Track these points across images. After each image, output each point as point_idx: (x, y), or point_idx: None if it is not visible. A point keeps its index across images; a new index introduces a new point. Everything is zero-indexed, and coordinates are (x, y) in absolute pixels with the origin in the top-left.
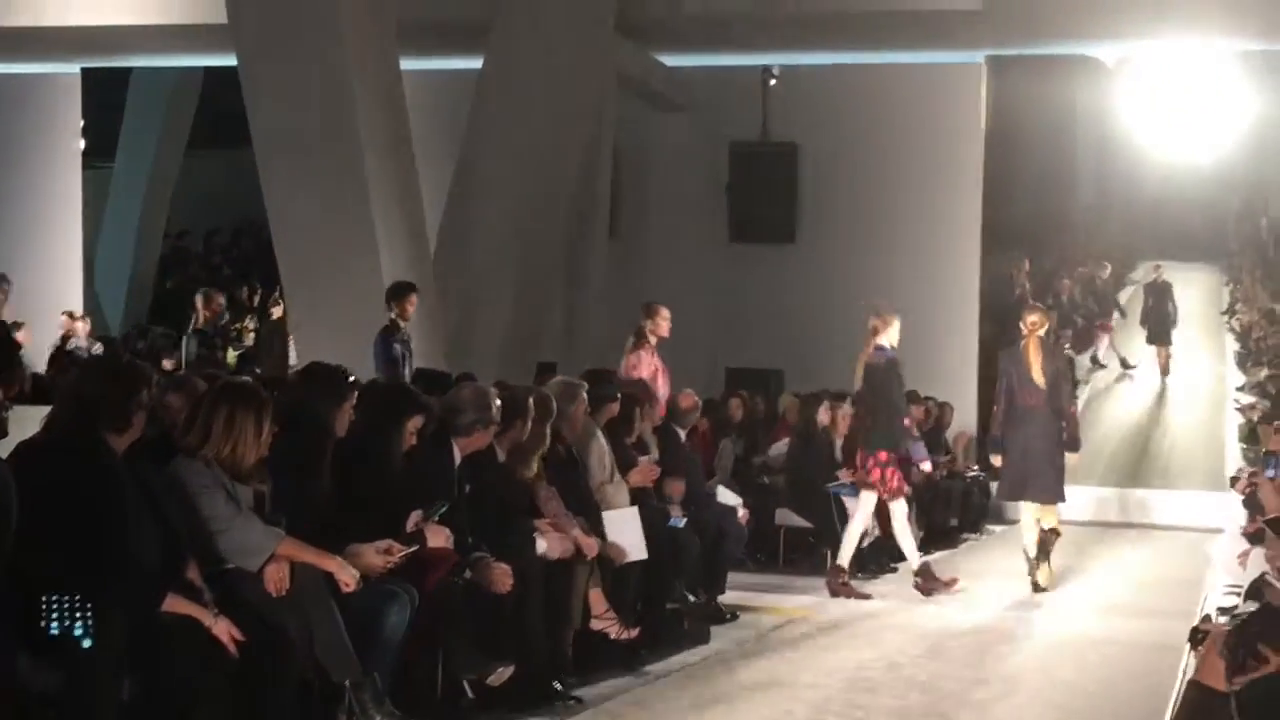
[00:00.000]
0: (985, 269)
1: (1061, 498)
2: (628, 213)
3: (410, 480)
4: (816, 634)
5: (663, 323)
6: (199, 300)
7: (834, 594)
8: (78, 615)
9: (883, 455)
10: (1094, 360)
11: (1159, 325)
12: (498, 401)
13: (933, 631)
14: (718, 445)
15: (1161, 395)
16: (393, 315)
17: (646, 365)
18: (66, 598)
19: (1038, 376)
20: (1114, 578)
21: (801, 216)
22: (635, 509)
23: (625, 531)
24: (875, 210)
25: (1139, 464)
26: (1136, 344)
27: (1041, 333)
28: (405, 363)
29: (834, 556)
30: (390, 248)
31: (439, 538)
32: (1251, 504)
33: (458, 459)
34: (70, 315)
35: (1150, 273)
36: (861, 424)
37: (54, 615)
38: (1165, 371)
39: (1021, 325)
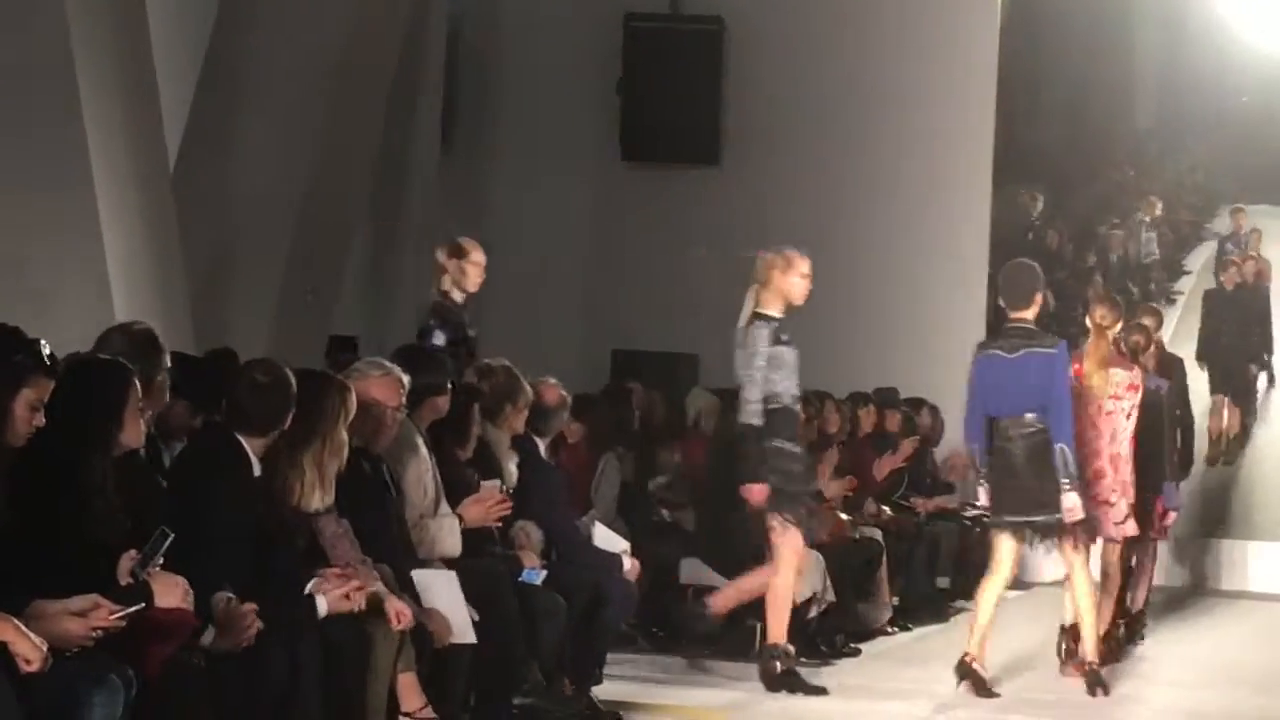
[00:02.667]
0: (998, 213)
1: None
2: (469, 116)
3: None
4: None
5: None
6: None
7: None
8: None
9: None
10: None
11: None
12: (294, 381)
13: None
14: (597, 463)
15: (1249, 410)
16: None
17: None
18: None
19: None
20: (1188, 667)
21: (728, 127)
22: (452, 574)
23: (444, 599)
24: (837, 121)
25: (1222, 506)
26: None
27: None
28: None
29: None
30: (109, 161)
31: (171, 593)
32: None
33: (257, 469)
34: None
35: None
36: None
37: None
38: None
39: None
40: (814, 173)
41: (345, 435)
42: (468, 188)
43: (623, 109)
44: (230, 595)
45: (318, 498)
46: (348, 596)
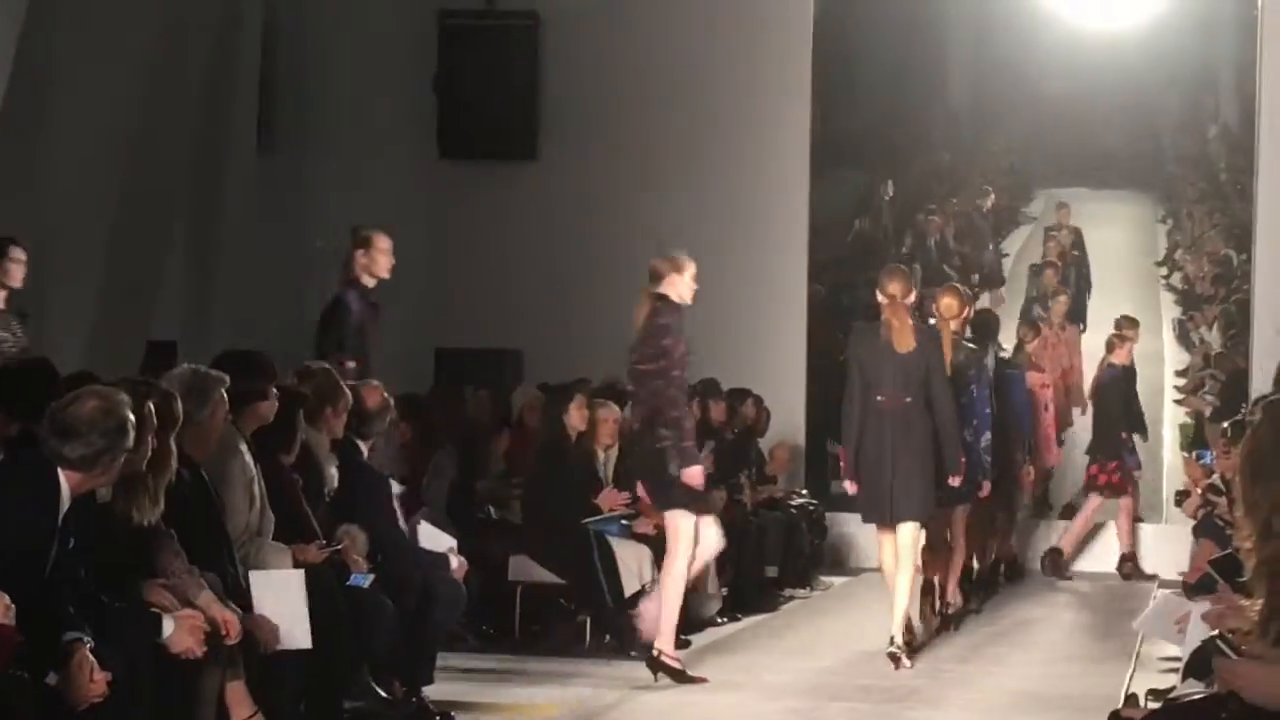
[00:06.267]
0: (817, 202)
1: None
2: (287, 115)
3: None
4: None
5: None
6: None
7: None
8: None
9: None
10: None
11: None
12: (132, 417)
13: None
14: (427, 462)
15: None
16: None
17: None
18: None
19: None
20: (1007, 651)
21: (545, 122)
22: (300, 573)
23: (281, 603)
24: (655, 115)
25: (1040, 485)
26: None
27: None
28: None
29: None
30: None
31: None
32: (1209, 531)
33: (66, 501)
34: None
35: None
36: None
37: None
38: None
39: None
40: (632, 164)
41: (173, 446)
42: (286, 187)
43: (439, 105)
44: (86, 642)
45: (146, 511)
46: (194, 636)
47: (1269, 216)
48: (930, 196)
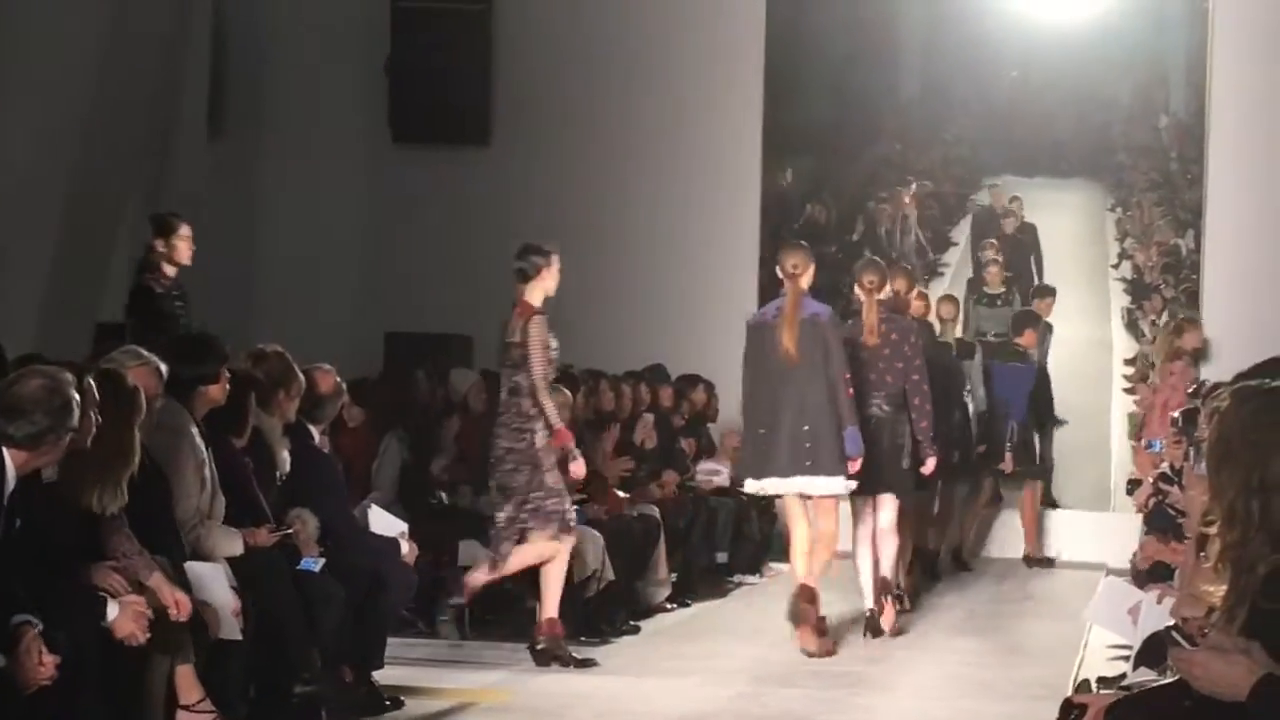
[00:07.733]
0: (769, 190)
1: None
2: (238, 100)
3: None
4: None
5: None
6: None
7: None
8: None
9: None
10: None
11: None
12: (77, 396)
13: None
14: (378, 446)
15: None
16: None
17: None
18: None
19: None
20: (957, 640)
21: (498, 107)
22: (220, 567)
23: (206, 595)
24: (607, 101)
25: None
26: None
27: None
28: None
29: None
30: None
31: None
32: (1160, 522)
33: (11, 480)
34: None
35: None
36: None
37: None
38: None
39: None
40: (584, 151)
41: (137, 437)
42: (238, 171)
43: (391, 89)
44: (34, 625)
45: (108, 501)
46: (137, 622)
47: (1218, 206)
48: (882, 185)
